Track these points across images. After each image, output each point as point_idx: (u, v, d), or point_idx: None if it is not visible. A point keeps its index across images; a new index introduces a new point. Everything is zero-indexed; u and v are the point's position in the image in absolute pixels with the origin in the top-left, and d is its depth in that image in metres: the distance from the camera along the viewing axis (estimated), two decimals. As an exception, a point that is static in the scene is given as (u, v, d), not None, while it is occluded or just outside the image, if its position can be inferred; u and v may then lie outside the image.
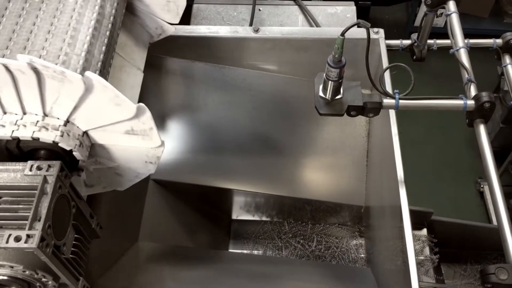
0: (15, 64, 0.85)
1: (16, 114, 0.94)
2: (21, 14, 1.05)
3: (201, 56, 1.68)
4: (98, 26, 1.08)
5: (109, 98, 0.91)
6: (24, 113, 0.94)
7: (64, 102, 0.92)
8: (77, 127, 0.97)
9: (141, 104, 0.93)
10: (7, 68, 0.85)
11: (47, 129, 0.93)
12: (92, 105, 0.93)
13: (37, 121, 0.93)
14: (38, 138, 0.92)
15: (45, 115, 0.94)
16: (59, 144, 0.93)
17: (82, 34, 1.04)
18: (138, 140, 1.00)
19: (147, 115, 0.95)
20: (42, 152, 0.94)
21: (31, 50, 1.00)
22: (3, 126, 0.93)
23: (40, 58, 0.97)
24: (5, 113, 0.94)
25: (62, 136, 0.93)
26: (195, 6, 1.94)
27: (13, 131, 0.92)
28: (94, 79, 0.88)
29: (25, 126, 0.93)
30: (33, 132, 0.92)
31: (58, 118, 0.95)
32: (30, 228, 0.81)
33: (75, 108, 0.93)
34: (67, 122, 0.95)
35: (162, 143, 1.01)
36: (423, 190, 2.96)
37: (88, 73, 0.87)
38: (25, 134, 0.92)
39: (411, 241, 1.20)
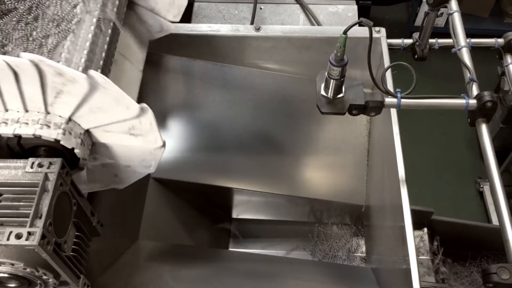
0: (17, 61, 0.84)
1: (18, 112, 0.94)
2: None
3: (202, 54, 1.67)
4: (100, 24, 1.08)
5: (113, 97, 0.91)
6: (26, 111, 0.94)
7: (67, 100, 0.92)
8: (79, 125, 0.97)
9: (144, 104, 0.94)
10: (9, 65, 0.85)
11: (49, 126, 0.92)
12: (95, 104, 0.92)
13: (39, 119, 0.93)
14: (40, 136, 0.92)
15: (48, 112, 0.94)
16: (61, 142, 0.92)
17: (84, 33, 1.04)
18: (140, 140, 1.00)
19: (150, 115, 0.95)
20: (43, 149, 0.94)
21: (34, 48, 1.00)
22: (5, 123, 0.92)
23: (42, 55, 0.97)
24: (6, 110, 0.94)
25: (64, 134, 0.93)
26: (196, 4, 1.94)
27: (15, 128, 0.92)
28: (98, 78, 0.87)
29: (27, 123, 0.92)
30: (35, 129, 0.91)
31: (60, 116, 0.94)
32: (31, 226, 0.80)
33: (78, 107, 0.93)
34: (69, 120, 0.95)
35: (163, 144, 1.01)
36: (422, 190, 2.96)
37: (92, 72, 0.87)
38: (27, 131, 0.91)
39: (412, 240, 1.20)
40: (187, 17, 1.69)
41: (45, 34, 1.02)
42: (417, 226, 2.03)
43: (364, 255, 2.00)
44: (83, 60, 1.01)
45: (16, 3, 1.06)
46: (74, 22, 1.04)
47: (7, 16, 1.04)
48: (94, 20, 1.07)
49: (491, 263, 1.98)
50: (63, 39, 1.02)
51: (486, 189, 3.02)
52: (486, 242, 2.04)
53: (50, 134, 0.92)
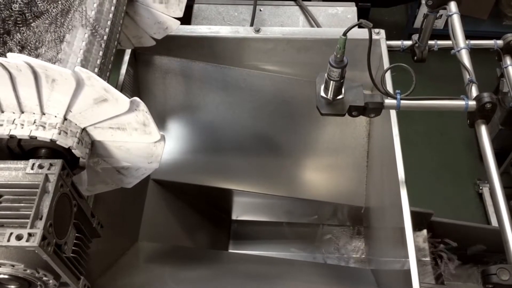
0: (12, 62, 0.84)
1: (13, 113, 0.94)
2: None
3: (202, 56, 1.67)
4: (97, 24, 1.08)
5: (100, 92, 0.90)
6: (22, 112, 0.94)
7: (58, 99, 0.91)
8: (75, 124, 0.97)
9: (135, 97, 0.92)
10: (4, 67, 0.85)
11: (44, 127, 0.92)
12: (86, 100, 0.92)
13: (35, 120, 0.92)
14: (36, 137, 0.91)
15: (43, 113, 0.94)
16: (57, 142, 0.92)
17: (80, 33, 1.04)
18: (137, 135, 0.99)
19: (142, 108, 0.93)
20: (43, 150, 0.94)
21: (30, 48, 1.00)
22: (1, 125, 0.92)
23: (38, 57, 0.98)
24: (2, 111, 0.94)
25: (59, 134, 0.92)
26: (196, 6, 1.94)
27: (10, 130, 0.91)
28: (83, 73, 0.87)
29: (22, 125, 0.92)
30: (31, 131, 0.91)
31: (55, 116, 0.94)
32: (32, 227, 0.80)
33: (70, 105, 0.92)
34: (64, 119, 0.95)
35: (162, 137, 1.00)
36: (421, 191, 2.96)
37: (77, 68, 0.87)
38: (22, 133, 0.91)
39: (412, 242, 1.20)
40: (187, 19, 1.69)
41: (80, 37, 1.02)
42: (416, 227, 2.03)
43: (364, 256, 2.00)
44: (111, 66, 1.05)
45: (48, 5, 1.05)
46: (108, 29, 1.05)
47: (39, 19, 1.04)
48: (91, 20, 1.07)
49: (490, 264, 1.98)
50: (96, 44, 1.02)
51: (485, 191, 3.03)
52: (485, 244, 2.04)
53: (45, 134, 0.91)
